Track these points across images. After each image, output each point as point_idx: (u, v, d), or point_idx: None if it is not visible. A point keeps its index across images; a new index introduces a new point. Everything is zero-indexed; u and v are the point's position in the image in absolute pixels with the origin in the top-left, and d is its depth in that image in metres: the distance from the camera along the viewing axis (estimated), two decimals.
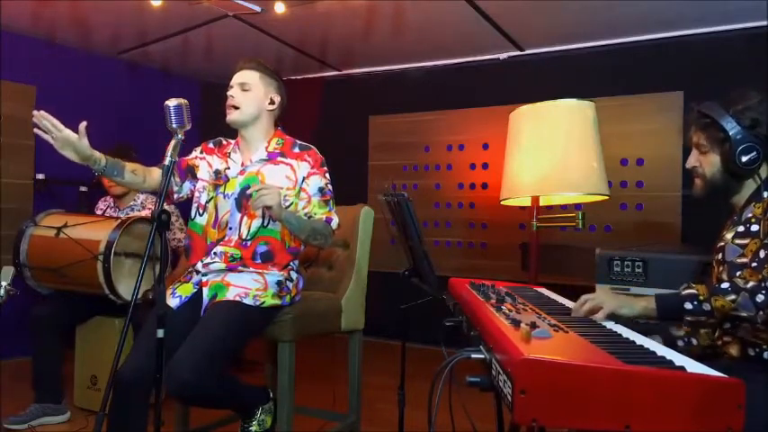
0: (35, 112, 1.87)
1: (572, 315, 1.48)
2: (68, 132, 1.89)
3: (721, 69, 3.70)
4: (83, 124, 1.90)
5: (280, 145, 2.22)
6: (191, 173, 2.22)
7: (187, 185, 2.21)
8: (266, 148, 2.20)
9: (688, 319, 1.51)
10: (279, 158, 2.19)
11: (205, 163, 2.24)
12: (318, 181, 2.20)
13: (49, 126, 1.87)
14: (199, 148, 2.30)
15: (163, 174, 1.78)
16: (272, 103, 2.21)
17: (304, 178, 2.18)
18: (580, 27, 3.86)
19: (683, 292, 1.53)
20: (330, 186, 2.24)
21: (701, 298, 1.50)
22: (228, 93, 2.17)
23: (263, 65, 2.22)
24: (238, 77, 2.19)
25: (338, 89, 5.09)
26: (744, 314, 1.46)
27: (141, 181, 2.12)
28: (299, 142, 2.26)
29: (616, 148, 3.93)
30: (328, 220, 2.19)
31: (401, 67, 4.85)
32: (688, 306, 1.50)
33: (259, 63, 2.21)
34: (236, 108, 2.15)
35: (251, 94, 2.17)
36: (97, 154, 1.99)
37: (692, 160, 1.77)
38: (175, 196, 2.21)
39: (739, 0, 3.32)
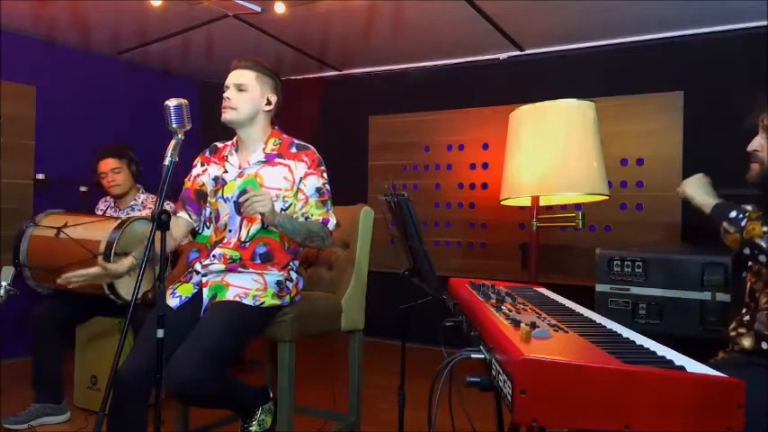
0: (60, 281, 1.99)
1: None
2: (95, 270, 1.98)
3: (721, 69, 3.71)
4: (99, 258, 2.03)
5: (277, 145, 2.21)
6: (203, 198, 2.23)
7: (204, 212, 2.24)
8: (263, 149, 2.19)
9: (724, 225, 1.65)
10: (277, 159, 2.18)
11: (206, 176, 2.25)
12: (316, 181, 2.18)
13: (79, 280, 1.98)
14: (198, 161, 2.29)
15: (163, 174, 1.78)
16: (268, 103, 2.19)
17: (301, 179, 2.17)
18: (580, 27, 3.86)
19: (741, 205, 1.65)
20: (328, 186, 2.22)
21: (748, 215, 1.60)
22: (225, 94, 2.14)
23: (260, 63, 2.19)
24: (234, 77, 2.16)
25: (338, 89, 5.09)
26: (763, 245, 1.55)
27: (173, 242, 2.20)
28: (296, 142, 2.24)
29: (616, 148, 3.93)
30: (325, 222, 2.17)
31: (401, 67, 4.85)
32: (732, 214, 1.63)
33: (255, 62, 2.18)
34: (233, 108, 2.13)
35: (247, 95, 2.14)
36: (127, 262, 2.03)
37: (755, 144, 1.79)
38: (197, 228, 2.25)
39: (739, 0, 3.32)
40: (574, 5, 3.46)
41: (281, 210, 2.13)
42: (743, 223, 1.61)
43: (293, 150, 2.21)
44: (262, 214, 1.98)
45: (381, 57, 4.68)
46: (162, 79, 5.08)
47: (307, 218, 2.17)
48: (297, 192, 2.17)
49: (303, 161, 2.18)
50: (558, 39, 4.12)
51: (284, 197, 2.15)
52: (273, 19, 3.75)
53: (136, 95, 4.81)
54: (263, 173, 2.16)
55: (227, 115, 2.13)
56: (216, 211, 2.20)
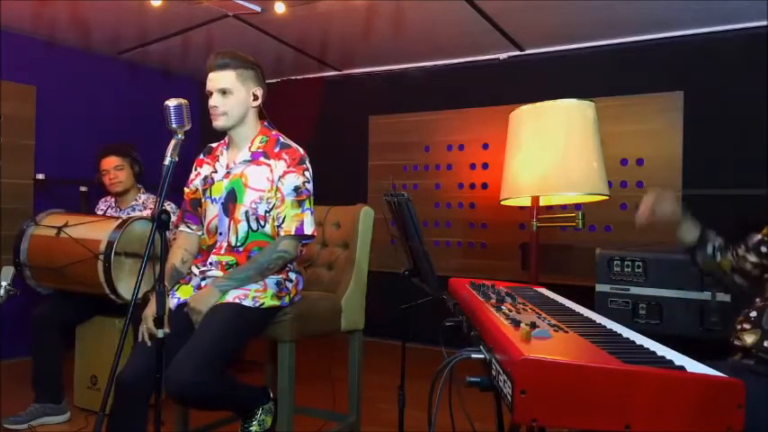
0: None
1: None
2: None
3: (721, 69, 3.71)
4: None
5: (263, 143, 2.17)
6: (199, 206, 2.24)
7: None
8: (249, 147, 2.17)
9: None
10: (261, 158, 2.14)
11: (199, 179, 2.25)
12: (295, 179, 2.10)
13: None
14: (195, 166, 2.30)
15: (163, 174, 1.78)
16: (255, 98, 2.14)
17: (279, 177, 2.10)
18: (580, 27, 3.86)
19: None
20: (309, 186, 2.13)
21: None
22: (210, 102, 2.09)
23: (236, 57, 2.10)
24: (215, 82, 2.08)
25: (338, 89, 5.09)
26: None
27: (190, 256, 2.22)
28: (281, 140, 2.18)
29: (616, 148, 3.93)
30: (298, 231, 2.08)
31: (401, 67, 4.85)
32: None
33: (231, 58, 2.09)
34: (223, 114, 2.09)
35: (233, 98, 2.09)
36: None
37: None
38: (200, 234, 2.26)
39: (739, 0, 3.32)
40: (574, 5, 3.46)
41: (265, 212, 2.11)
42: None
43: (276, 149, 2.15)
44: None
45: (381, 57, 4.68)
46: (162, 79, 5.07)
47: (283, 219, 2.09)
48: (276, 191, 2.11)
49: (283, 159, 2.12)
50: (558, 39, 4.12)
51: (267, 198, 2.11)
52: (273, 19, 3.75)
53: (136, 95, 4.81)
54: (248, 172, 2.13)
55: (218, 122, 2.10)
56: (205, 211, 2.20)
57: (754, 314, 1.65)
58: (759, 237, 1.74)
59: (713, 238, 1.83)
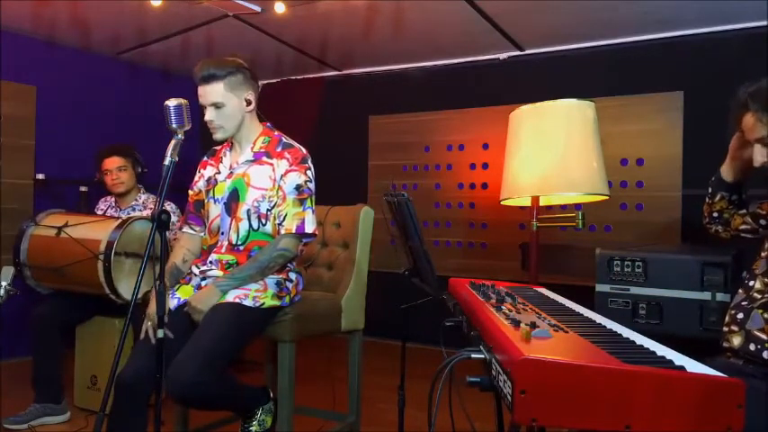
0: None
1: None
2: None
3: (721, 69, 3.70)
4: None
5: (265, 144, 2.19)
6: (202, 207, 2.25)
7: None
8: (252, 148, 2.18)
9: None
10: (264, 158, 2.16)
11: (202, 181, 2.26)
12: (297, 178, 2.11)
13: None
14: (198, 168, 2.31)
15: (163, 174, 1.78)
16: (248, 104, 2.14)
17: (282, 176, 2.12)
18: (580, 27, 3.86)
19: None
20: (311, 185, 2.15)
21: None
22: (206, 117, 2.08)
23: (221, 66, 2.05)
24: (206, 96, 2.06)
25: (338, 89, 5.09)
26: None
27: (191, 256, 2.23)
28: (284, 140, 2.20)
29: (616, 148, 3.93)
30: (299, 229, 2.09)
31: (401, 67, 4.85)
32: None
33: (217, 67, 2.05)
34: (220, 127, 2.10)
35: (227, 110, 2.08)
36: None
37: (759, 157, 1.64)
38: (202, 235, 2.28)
39: (739, 0, 3.32)
40: (574, 5, 3.46)
41: (267, 210, 2.12)
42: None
43: (279, 149, 2.17)
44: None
45: (381, 57, 4.68)
46: (162, 79, 5.07)
47: (284, 217, 2.10)
48: (278, 190, 2.12)
49: (285, 158, 2.13)
50: (558, 39, 4.12)
51: (269, 197, 2.12)
52: (273, 19, 3.75)
53: (136, 95, 4.81)
54: (251, 172, 2.15)
55: (217, 135, 2.12)
56: (207, 211, 2.20)
57: (740, 316, 1.66)
58: (763, 212, 1.80)
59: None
